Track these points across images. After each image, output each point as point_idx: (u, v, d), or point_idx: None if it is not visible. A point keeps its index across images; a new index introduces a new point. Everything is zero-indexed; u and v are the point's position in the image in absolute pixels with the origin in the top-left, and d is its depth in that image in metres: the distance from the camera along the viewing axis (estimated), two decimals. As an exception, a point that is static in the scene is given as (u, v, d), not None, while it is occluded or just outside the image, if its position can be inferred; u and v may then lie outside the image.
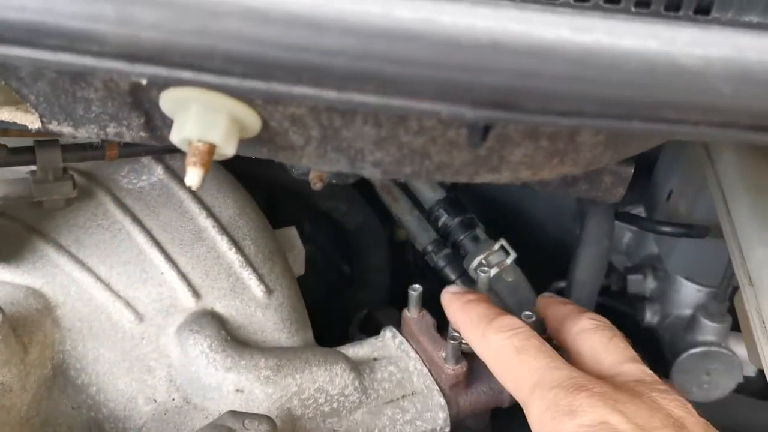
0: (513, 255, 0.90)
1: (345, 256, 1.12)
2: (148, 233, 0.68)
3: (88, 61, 0.28)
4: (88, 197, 0.70)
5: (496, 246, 0.91)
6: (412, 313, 0.73)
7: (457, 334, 0.68)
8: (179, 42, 0.27)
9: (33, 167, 0.66)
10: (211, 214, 0.72)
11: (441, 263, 0.98)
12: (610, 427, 0.48)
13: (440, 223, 0.97)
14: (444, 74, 0.28)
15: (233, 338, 0.64)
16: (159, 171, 0.74)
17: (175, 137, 0.39)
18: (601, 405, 0.50)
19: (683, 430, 0.49)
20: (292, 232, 0.81)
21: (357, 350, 0.70)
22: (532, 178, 0.45)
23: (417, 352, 0.71)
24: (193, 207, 0.71)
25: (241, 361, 0.61)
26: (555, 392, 0.52)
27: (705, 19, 0.37)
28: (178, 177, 0.73)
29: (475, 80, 0.28)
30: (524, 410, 0.56)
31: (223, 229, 0.71)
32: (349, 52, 0.28)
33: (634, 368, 0.56)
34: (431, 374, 0.68)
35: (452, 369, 0.67)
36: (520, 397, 0.57)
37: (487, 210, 1.06)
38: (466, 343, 0.69)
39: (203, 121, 0.38)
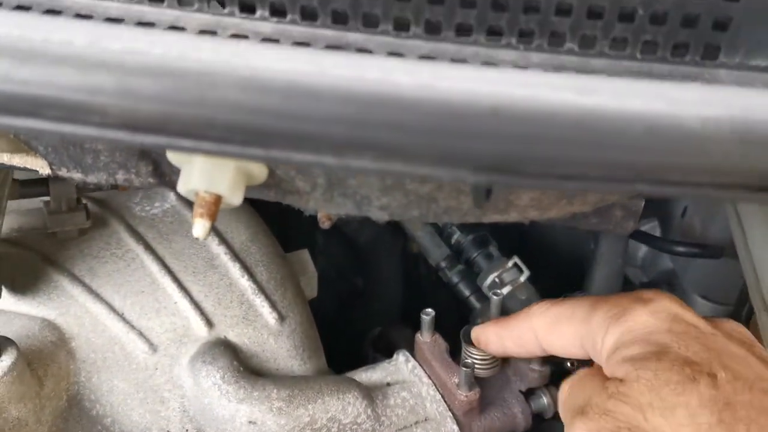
0: (526, 273, 0.90)
1: (358, 270, 1.12)
2: (161, 262, 0.69)
3: (89, 131, 0.28)
4: (101, 225, 0.71)
5: (510, 264, 0.91)
6: (425, 338, 0.73)
7: (469, 361, 0.68)
8: (179, 113, 0.28)
9: (47, 198, 0.66)
10: (223, 240, 0.72)
11: (454, 279, 0.98)
12: (685, 319, 0.46)
13: (453, 240, 0.97)
14: (443, 141, 0.28)
15: (246, 367, 0.64)
16: (172, 197, 0.75)
17: (182, 188, 0.39)
18: (671, 300, 0.48)
19: (754, 347, 0.47)
20: (305, 256, 0.81)
21: (370, 375, 0.70)
22: (540, 217, 0.45)
23: (430, 377, 0.71)
24: (205, 234, 0.71)
25: (254, 393, 0.61)
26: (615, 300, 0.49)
27: (713, 63, 0.37)
28: (191, 204, 0.74)
29: (475, 147, 0.28)
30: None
31: (236, 256, 0.71)
32: (347, 120, 0.28)
33: None
34: (444, 400, 0.68)
35: (465, 395, 0.67)
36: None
37: (500, 226, 1.05)
38: (480, 368, 0.69)
39: (209, 172, 0.38)
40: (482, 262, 0.94)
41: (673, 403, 0.41)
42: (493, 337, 0.62)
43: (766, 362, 0.45)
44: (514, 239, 1.02)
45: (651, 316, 0.46)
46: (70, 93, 0.28)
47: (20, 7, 0.34)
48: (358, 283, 1.14)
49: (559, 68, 0.36)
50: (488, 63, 0.36)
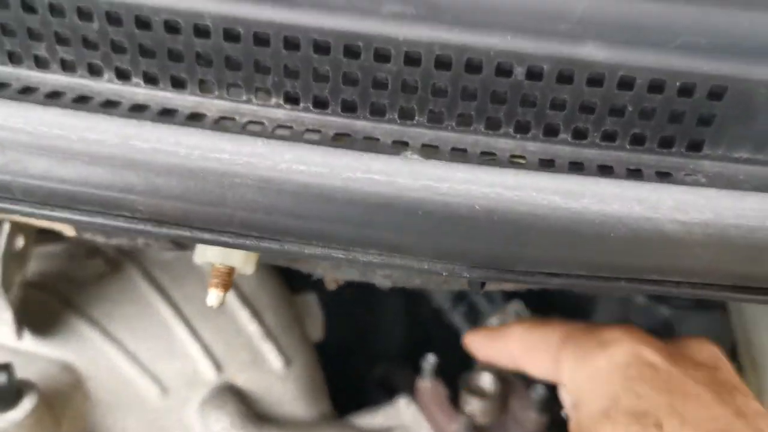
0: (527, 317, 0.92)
1: (362, 309, 1.14)
2: (174, 306, 0.72)
3: (120, 223, 0.31)
4: (118, 270, 0.74)
5: (510, 308, 0.93)
6: (425, 384, 0.75)
7: (468, 409, 0.70)
8: (200, 211, 0.30)
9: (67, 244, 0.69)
10: (233, 286, 0.74)
11: (457, 321, 1.00)
12: (642, 359, 0.46)
13: (456, 283, 0.99)
14: (441, 241, 0.31)
15: (253, 412, 0.67)
16: (185, 243, 0.78)
17: (198, 260, 0.42)
18: (631, 339, 0.48)
19: (717, 372, 0.47)
20: (311, 299, 0.83)
21: (371, 420, 0.73)
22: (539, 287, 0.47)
23: (430, 423, 0.73)
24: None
25: (260, 438, 0.64)
26: (582, 339, 0.50)
27: (698, 155, 0.40)
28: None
29: (470, 247, 0.31)
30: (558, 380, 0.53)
31: (245, 301, 0.74)
32: (354, 220, 0.30)
33: None
34: (443, 446, 0.71)
35: (464, 442, 0.69)
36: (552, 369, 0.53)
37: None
38: (479, 416, 0.71)
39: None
40: (484, 305, 0.96)
41: None
42: (479, 347, 0.64)
43: (725, 392, 0.45)
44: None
45: (609, 362, 0.47)
46: (103, 191, 0.31)
47: (54, 94, 0.37)
48: (363, 320, 1.16)
49: (553, 157, 0.38)
50: (486, 152, 0.39)
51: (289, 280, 0.83)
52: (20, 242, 0.59)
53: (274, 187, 0.31)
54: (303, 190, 0.31)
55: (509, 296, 0.95)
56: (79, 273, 0.70)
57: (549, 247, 0.32)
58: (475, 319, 0.97)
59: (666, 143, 0.39)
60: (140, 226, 0.31)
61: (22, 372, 0.64)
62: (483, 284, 0.38)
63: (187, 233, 0.32)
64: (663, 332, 0.97)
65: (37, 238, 0.68)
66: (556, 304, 1.07)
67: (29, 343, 0.67)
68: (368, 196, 0.31)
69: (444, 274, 0.33)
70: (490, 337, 0.62)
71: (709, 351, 0.50)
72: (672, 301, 0.86)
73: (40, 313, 0.69)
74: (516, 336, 0.57)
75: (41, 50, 0.39)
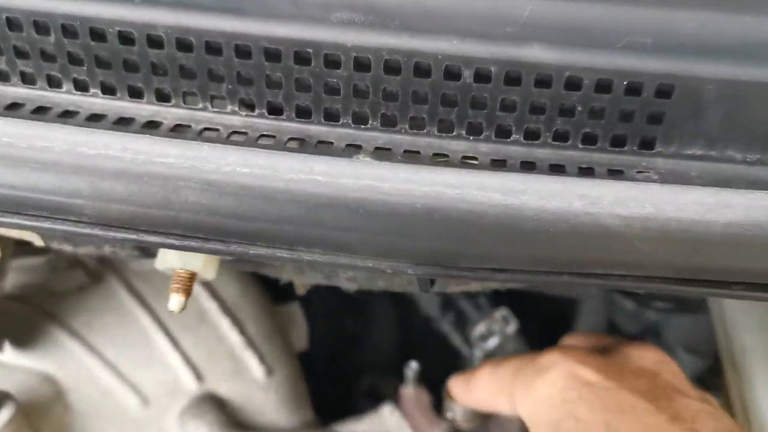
0: (514, 324, 0.92)
1: (350, 316, 1.14)
2: (155, 316, 0.72)
3: (67, 227, 0.31)
4: (99, 281, 0.74)
5: (498, 315, 0.93)
6: (409, 390, 0.76)
7: (450, 414, 0.70)
8: (145, 214, 0.31)
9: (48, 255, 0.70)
10: (214, 295, 0.75)
11: (445, 328, 1.00)
12: (579, 379, 0.47)
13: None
14: (384, 239, 0.31)
15: (234, 421, 0.67)
16: (167, 253, 0.78)
17: (159, 266, 0.42)
18: (566, 361, 0.48)
19: (657, 378, 0.47)
20: (295, 308, 0.84)
21: (355, 427, 0.73)
22: (502, 286, 0.47)
23: (413, 430, 0.73)
24: (198, 289, 0.75)
25: (240, 447, 0.64)
26: (525, 369, 0.51)
27: (650, 153, 0.40)
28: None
29: (412, 245, 0.31)
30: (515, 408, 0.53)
31: (227, 310, 0.74)
32: (296, 220, 0.31)
33: None
34: (425, 453, 0.71)
35: (446, 448, 0.69)
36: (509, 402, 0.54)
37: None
38: (462, 421, 0.71)
39: (183, 252, 0.41)
40: (471, 313, 0.96)
41: None
42: (458, 394, 0.65)
43: (663, 397, 0.45)
44: (505, 291, 1.04)
45: (548, 387, 0.48)
46: (50, 196, 0.31)
47: (13, 105, 0.38)
48: (351, 327, 1.17)
49: (505, 158, 0.39)
50: (439, 153, 0.39)
51: (273, 290, 0.83)
52: (-4, 254, 0.60)
53: (217, 189, 0.31)
54: (245, 192, 0.31)
55: (496, 303, 0.95)
56: (59, 285, 0.71)
57: (490, 243, 0.32)
58: (463, 326, 0.97)
59: (618, 142, 0.39)
60: (87, 230, 0.32)
61: (1, 384, 0.64)
62: (432, 282, 0.39)
63: (133, 236, 0.32)
64: (650, 336, 0.97)
65: (17, 251, 0.68)
66: (542, 310, 1.07)
67: (9, 355, 0.67)
68: (310, 196, 0.31)
69: (389, 271, 0.33)
70: (463, 385, 0.63)
71: (651, 356, 0.50)
72: (658, 305, 0.86)
73: (21, 325, 0.69)
74: (482, 381, 0.58)
75: (2, 64, 0.40)
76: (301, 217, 0.31)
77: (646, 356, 0.50)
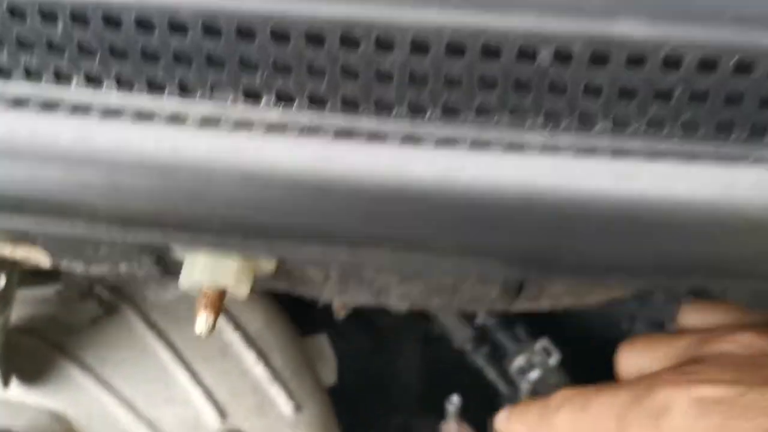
0: (556, 356, 0.86)
1: (377, 354, 1.09)
2: (174, 349, 0.67)
3: (79, 228, 0.26)
4: (114, 312, 0.70)
5: (538, 346, 0.87)
6: (451, 428, 0.70)
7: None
8: (170, 209, 0.26)
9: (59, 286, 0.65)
10: (238, 326, 0.70)
11: (480, 362, 0.94)
12: (704, 402, 0.42)
13: (477, 320, 0.94)
14: (469, 234, 0.26)
15: (260, 463, 0.61)
16: (187, 282, 0.73)
17: (185, 283, 0.37)
18: (679, 387, 0.43)
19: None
20: (323, 340, 0.78)
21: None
22: (575, 305, 0.42)
23: (455, 472, 0.67)
24: (220, 321, 0.69)
25: (267, 492, 0.58)
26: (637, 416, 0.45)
27: (761, 143, 0.34)
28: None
29: (505, 240, 0.26)
30: None
31: (251, 343, 0.69)
32: (360, 213, 0.26)
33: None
34: (471, 497, 0.64)
35: (494, 492, 0.63)
36: None
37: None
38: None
39: (213, 264, 0.36)
40: (509, 344, 0.91)
41: None
42: (531, 427, 0.57)
43: None
44: (543, 318, 0.98)
45: (681, 426, 0.42)
46: (56, 191, 0.26)
47: (17, 103, 0.33)
48: (378, 368, 1.12)
49: (591, 151, 0.34)
50: (513, 147, 0.34)
51: (298, 322, 0.78)
52: (0, 282, 0.55)
53: (258, 181, 0.26)
54: (294, 184, 0.26)
55: (535, 334, 0.90)
56: (71, 317, 0.66)
57: (599, 236, 0.26)
58: (500, 359, 0.91)
59: (723, 129, 0.34)
60: (105, 230, 0.27)
61: (9, 423, 0.60)
62: (521, 288, 0.33)
63: (159, 235, 0.27)
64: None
65: (25, 280, 0.64)
66: (578, 341, 1.01)
67: (17, 391, 0.63)
68: (372, 186, 0.26)
69: (474, 273, 0.28)
70: (530, 425, 0.56)
71: (743, 340, 0.45)
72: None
73: (29, 359, 0.65)
74: (565, 422, 0.51)
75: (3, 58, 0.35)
76: (365, 209, 0.26)
77: (738, 341, 0.45)
